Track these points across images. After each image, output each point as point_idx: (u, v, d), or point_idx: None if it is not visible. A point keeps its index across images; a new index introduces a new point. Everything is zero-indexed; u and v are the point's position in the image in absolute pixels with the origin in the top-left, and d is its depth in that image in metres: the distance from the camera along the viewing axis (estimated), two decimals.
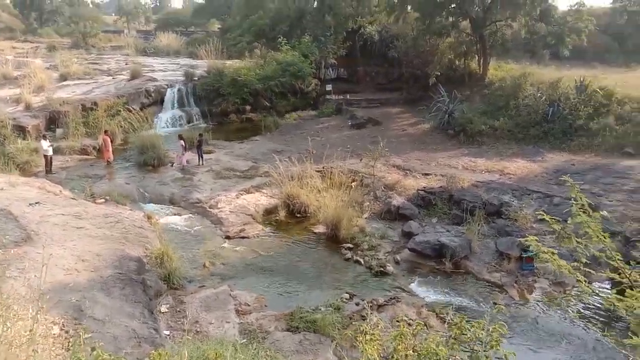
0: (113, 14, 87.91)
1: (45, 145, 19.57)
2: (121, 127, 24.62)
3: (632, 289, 4.51)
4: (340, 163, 19.17)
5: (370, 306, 11.47)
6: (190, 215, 17.02)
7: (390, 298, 11.94)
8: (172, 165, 21.12)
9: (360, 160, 20.44)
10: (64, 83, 29.64)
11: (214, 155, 22.95)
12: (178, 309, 11.29)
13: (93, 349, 4.61)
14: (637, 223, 13.67)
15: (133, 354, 8.66)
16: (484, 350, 4.59)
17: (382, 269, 13.38)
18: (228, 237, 15.38)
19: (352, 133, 26.67)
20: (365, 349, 4.94)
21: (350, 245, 14.71)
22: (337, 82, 34.70)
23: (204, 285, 12.45)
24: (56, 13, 64.60)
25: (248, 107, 29.98)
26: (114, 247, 12.51)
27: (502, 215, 15.97)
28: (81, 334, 4.88)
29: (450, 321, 5.34)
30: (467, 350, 4.85)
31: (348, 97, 32.83)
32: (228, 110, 29.51)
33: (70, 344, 8.34)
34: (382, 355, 5.02)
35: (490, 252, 14.28)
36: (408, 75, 33.20)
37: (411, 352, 4.83)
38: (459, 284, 13.03)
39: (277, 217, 16.86)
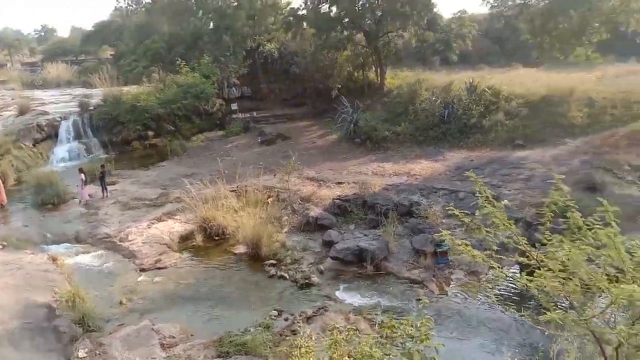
0: None
1: None
2: (13, 166, 22.81)
3: (539, 269, 4.88)
4: (254, 180, 19.06)
5: (300, 319, 11.47)
6: (100, 251, 16.05)
7: (319, 308, 12.00)
8: (80, 202, 19.77)
9: (274, 175, 20.48)
10: None
11: (119, 185, 21.91)
12: (97, 352, 10.58)
13: None
14: (535, 208, 14.86)
15: None
16: (415, 345, 4.75)
17: (307, 281, 13.43)
18: (143, 270, 14.68)
19: (263, 149, 26.67)
20: None
21: (273, 262, 14.62)
22: (242, 100, 34.55)
23: (123, 324, 11.76)
24: None
25: (151, 133, 28.89)
26: (18, 296, 11.54)
27: (414, 215, 16.67)
28: None
29: (380, 323, 5.47)
30: (399, 348, 4.99)
31: (254, 114, 32.85)
32: (129, 138, 28.28)
33: None
34: None
35: (407, 250, 14.83)
36: (311, 90, 33.88)
37: (347, 358, 4.89)
38: (382, 285, 13.39)
39: (194, 243, 16.37)
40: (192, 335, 11.29)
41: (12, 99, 33.64)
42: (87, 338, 11.05)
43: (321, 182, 20.50)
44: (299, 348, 5.32)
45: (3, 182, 19.91)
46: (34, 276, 12.80)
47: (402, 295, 12.78)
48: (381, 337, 5.18)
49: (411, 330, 4.85)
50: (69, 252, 15.94)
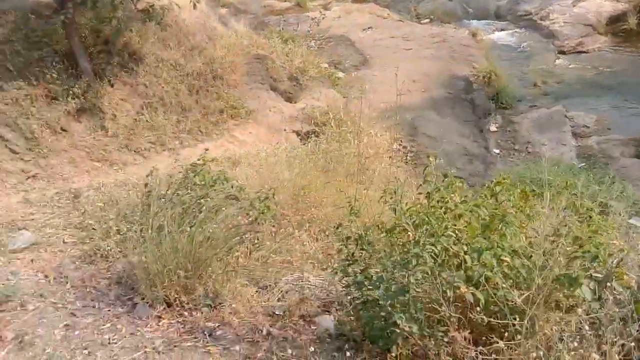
0: None
1: None
2: None
3: None
4: None
5: None
6: (518, 29, 15.59)
7: None
8: None
9: None
10: None
11: None
12: (508, 129, 11.01)
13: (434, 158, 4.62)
14: None
15: (465, 170, 9.03)
16: None
17: None
18: (562, 52, 13.75)
19: None
20: None
21: None
22: None
23: (535, 105, 11.67)
24: None
25: None
26: (442, 66, 12.60)
27: None
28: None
29: None
30: None
31: None
32: None
33: (408, 158, 9.18)
34: None
35: None
36: None
37: None
38: None
39: (626, 26, 13.92)
40: (608, 129, 10.36)
41: None
42: (499, 114, 11.54)
43: None
44: None
45: None
46: (456, 50, 13.57)
47: None
48: None
49: None
50: (488, 28, 16.06)
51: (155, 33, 8.60)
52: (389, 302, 2.11)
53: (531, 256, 2.11)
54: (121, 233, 3.61)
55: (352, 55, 13.35)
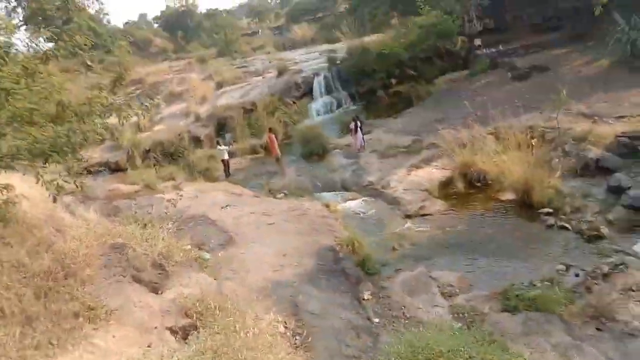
0: (244, 18, 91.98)
1: (222, 150, 20.85)
2: (280, 122, 25.49)
3: None
4: (513, 121, 17.56)
5: (594, 276, 10.17)
6: (365, 198, 16.87)
7: (616, 265, 10.44)
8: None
9: (540, 112, 18.46)
10: (222, 90, 31.59)
11: (373, 134, 22.60)
12: (380, 295, 11.09)
13: None
14: None
15: (356, 346, 8.64)
16: None
17: (595, 232, 11.83)
18: (408, 217, 14.93)
19: (516, 86, 24.21)
20: None
21: (549, 210, 13.27)
22: (484, 35, 32.03)
23: (399, 269, 12.12)
24: (198, 28, 69.36)
25: (393, 81, 28.92)
26: (307, 239, 12.75)
27: None
28: None
29: None
30: None
31: (500, 48, 30.09)
32: (375, 88, 28.75)
33: (296, 342, 8.55)
34: None
35: None
36: (567, 10, 29.35)
37: None
38: None
39: (455, 190, 15.96)
40: (470, 285, 11.02)
41: (270, 62, 37.61)
42: (369, 281, 11.71)
43: (595, 117, 17.75)
44: None
45: (275, 137, 22.37)
46: (316, 222, 14.00)
47: None
48: None
49: None
50: (338, 199, 17.12)
51: None
52: None
53: None
54: None
55: (215, 234, 12.97)
